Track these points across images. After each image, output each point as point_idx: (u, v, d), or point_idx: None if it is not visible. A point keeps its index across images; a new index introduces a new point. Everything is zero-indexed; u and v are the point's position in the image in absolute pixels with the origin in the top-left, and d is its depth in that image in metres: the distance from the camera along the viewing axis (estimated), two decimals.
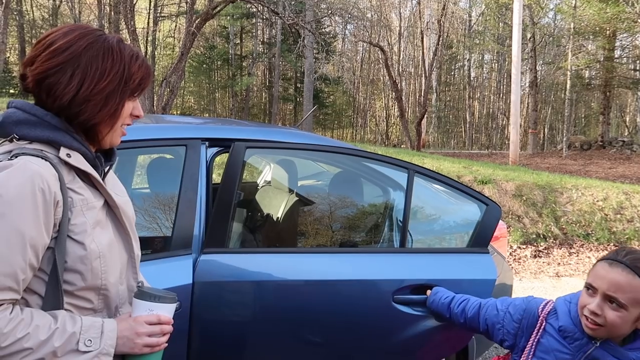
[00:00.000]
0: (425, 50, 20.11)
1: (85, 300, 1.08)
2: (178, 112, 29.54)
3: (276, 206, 3.15)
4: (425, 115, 20.65)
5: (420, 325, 1.99)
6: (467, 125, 34.21)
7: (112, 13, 25.03)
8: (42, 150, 1.04)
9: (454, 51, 33.59)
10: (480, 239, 2.09)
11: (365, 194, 2.53)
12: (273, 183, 3.58)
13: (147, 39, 28.12)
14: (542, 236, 7.27)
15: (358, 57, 35.14)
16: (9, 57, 28.27)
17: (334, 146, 2.25)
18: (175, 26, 30.27)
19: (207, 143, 2.11)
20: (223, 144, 2.15)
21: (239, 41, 29.42)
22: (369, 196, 2.50)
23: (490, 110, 36.59)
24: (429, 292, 1.99)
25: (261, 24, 29.13)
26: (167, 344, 1.19)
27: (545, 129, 32.96)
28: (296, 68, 28.07)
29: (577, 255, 6.91)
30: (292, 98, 30.55)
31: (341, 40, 33.63)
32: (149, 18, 27.80)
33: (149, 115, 2.71)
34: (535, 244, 7.11)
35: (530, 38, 23.38)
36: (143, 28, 28.03)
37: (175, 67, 12.87)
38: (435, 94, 31.57)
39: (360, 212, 2.47)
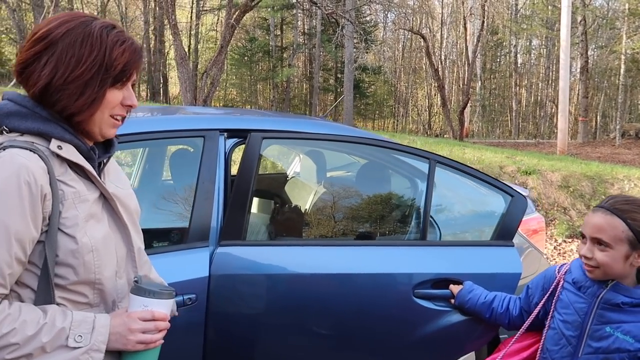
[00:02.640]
0: (468, 37, 19.52)
1: (80, 295, 1.07)
2: (221, 105, 30.03)
3: (302, 198, 3.13)
4: (469, 104, 20.10)
5: (444, 320, 1.92)
6: (514, 114, 33.05)
7: (157, 8, 25.66)
8: (32, 142, 1.03)
9: (499, 37, 32.43)
10: (505, 232, 1.99)
11: (389, 185, 2.46)
12: (301, 174, 3.56)
13: (190, 33, 28.66)
14: None
15: (400, 46, 34.56)
16: None
17: (354, 136, 2.19)
18: (217, 19, 30.63)
19: (225, 134, 2.10)
20: (242, 135, 2.13)
21: (279, 32, 29.51)
22: (392, 187, 2.43)
23: (539, 97, 35.21)
24: (452, 287, 1.92)
25: (301, 15, 29.07)
26: (163, 341, 1.16)
27: (598, 117, 31.39)
28: (336, 58, 27.90)
29: None
30: (332, 88, 30.43)
31: (382, 29, 33.15)
32: (191, 12, 28.30)
33: (170, 107, 2.73)
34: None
35: (580, 21, 22.24)
36: (187, 22, 28.60)
37: (215, 59, 13.04)
38: (479, 81, 30.64)
39: (383, 204, 2.40)
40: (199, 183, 1.96)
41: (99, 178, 1.12)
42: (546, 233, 6.60)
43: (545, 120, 33.11)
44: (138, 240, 1.24)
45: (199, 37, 29.36)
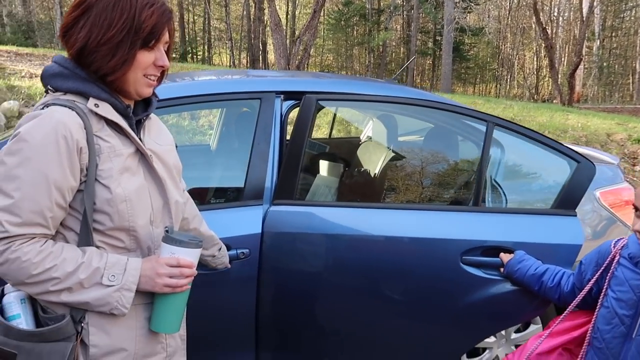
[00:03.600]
0: None
1: (117, 240, 1.18)
2: (317, 70, 30.23)
3: (372, 162, 3.12)
4: (582, 66, 18.32)
5: (492, 289, 1.85)
6: (637, 76, 29.61)
7: None
8: (73, 100, 1.14)
9: None
10: (568, 200, 1.85)
11: (451, 149, 2.37)
12: (374, 138, 3.53)
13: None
14: None
15: (506, 3, 32.14)
16: None
17: (411, 98, 2.12)
18: None
19: (282, 96, 2.14)
20: (299, 97, 2.16)
21: None
22: (453, 151, 2.34)
23: None
24: (503, 255, 1.83)
25: None
26: (189, 286, 1.24)
27: None
28: (435, 20, 26.68)
29: None
30: (430, 52, 29.29)
31: None
32: None
33: (226, 70, 2.80)
34: None
35: None
36: None
37: (308, 25, 13.11)
38: (598, 40, 27.72)
39: (442, 168, 2.33)
40: (254, 144, 2.04)
41: (134, 134, 1.21)
42: None
43: None
44: (176, 194, 1.32)
45: (297, 2, 29.54)
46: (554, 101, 21.43)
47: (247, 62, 28.58)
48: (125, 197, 1.16)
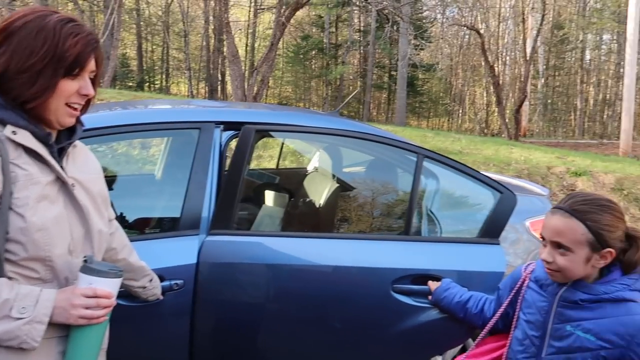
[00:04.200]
0: (527, 32, 18.74)
1: (31, 270, 1.15)
2: (275, 102, 30.49)
3: (316, 193, 3.17)
4: (528, 102, 19.28)
5: (423, 316, 1.90)
6: (578, 113, 31.38)
7: (217, 8, 26.42)
8: None
9: (565, 32, 30.87)
10: (492, 229, 1.94)
11: (386, 179, 2.46)
12: (320, 169, 3.60)
13: (247, 32, 29.29)
14: None
15: (458, 42, 33.67)
16: (127, 52, 31.01)
17: (346, 130, 2.20)
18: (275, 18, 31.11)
19: (222, 127, 2.16)
20: (238, 128, 2.19)
21: (334, 30, 29.56)
22: (387, 181, 2.42)
23: (607, 95, 33.24)
24: (430, 283, 1.89)
25: (357, 12, 28.98)
26: (106, 318, 1.22)
27: None
28: (391, 55, 27.62)
29: None
30: (385, 86, 30.15)
31: (440, 25, 32.43)
32: (249, 11, 28.89)
33: (174, 100, 2.82)
34: None
35: None
36: (245, 21, 29.25)
37: (265, 57, 13.28)
38: (542, 78, 29.34)
39: (375, 198, 2.40)
40: (192, 173, 2.04)
41: (54, 162, 1.20)
42: None
43: (613, 119, 31.19)
44: (100, 223, 1.30)
45: (256, 35, 29.94)
46: (502, 135, 22.40)
47: (205, 92, 28.51)
48: (42, 226, 1.14)
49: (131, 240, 1.59)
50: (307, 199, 3.27)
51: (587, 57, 34.10)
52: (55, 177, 1.20)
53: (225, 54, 29.18)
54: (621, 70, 31.08)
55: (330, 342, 1.98)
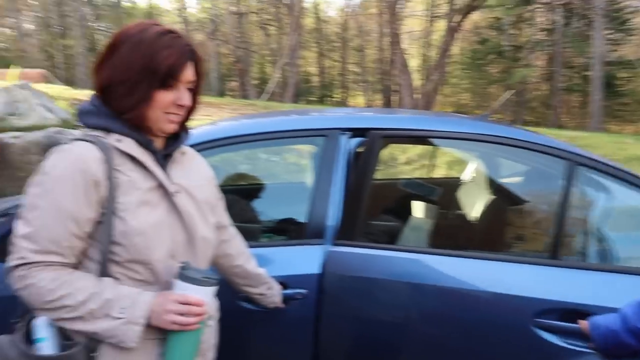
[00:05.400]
0: None
1: (134, 272, 1.20)
2: (451, 110, 29.60)
3: (467, 205, 2.89)
4: None
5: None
6: None
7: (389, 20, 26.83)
8: (98, 136, 1.21)
9: None
10: None
11: (545, 192, 2.08)
12: (473, 180, 3.28)
13: (422, 41, 29.09)
14: None
15: None
16: (309, 69, 33.39)
17: (488, 134, 1.91)
18: None
19: (349, 133, 2.08)
20: (365, 134, 2.08)
21: (514, 31, 27.55)
22: (540, 194, 2.05)
23: None
24: (581, 322, 1.51)
25: (541, 9, 26.54)
26: (199, 326, 1.21)
27: None
28: (583, 54, 24.59)
29: None
30: (578, 88, 26.91)
31: None
32: (427, 20, 28.71)
33: (303, 108, 2.81)
34: None
35: None
36: (420, 30, 29.15)
37: (436, 64, 12.99)
38: None
39: (523, 213, 2.05)
40: (318, 181, 2.00)
41: (156, 168, 1.24)
42: None
43: None
44: (205, 230, 1.32)
45: (431, 44, 29.58)
46: None
47: (382, 103, 29.16)
48: (141, 231, 1.18)
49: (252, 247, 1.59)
50: (461, 213, 3.00)
51: None
52: (157, 183, 1.24)
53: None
54: None
55: None
